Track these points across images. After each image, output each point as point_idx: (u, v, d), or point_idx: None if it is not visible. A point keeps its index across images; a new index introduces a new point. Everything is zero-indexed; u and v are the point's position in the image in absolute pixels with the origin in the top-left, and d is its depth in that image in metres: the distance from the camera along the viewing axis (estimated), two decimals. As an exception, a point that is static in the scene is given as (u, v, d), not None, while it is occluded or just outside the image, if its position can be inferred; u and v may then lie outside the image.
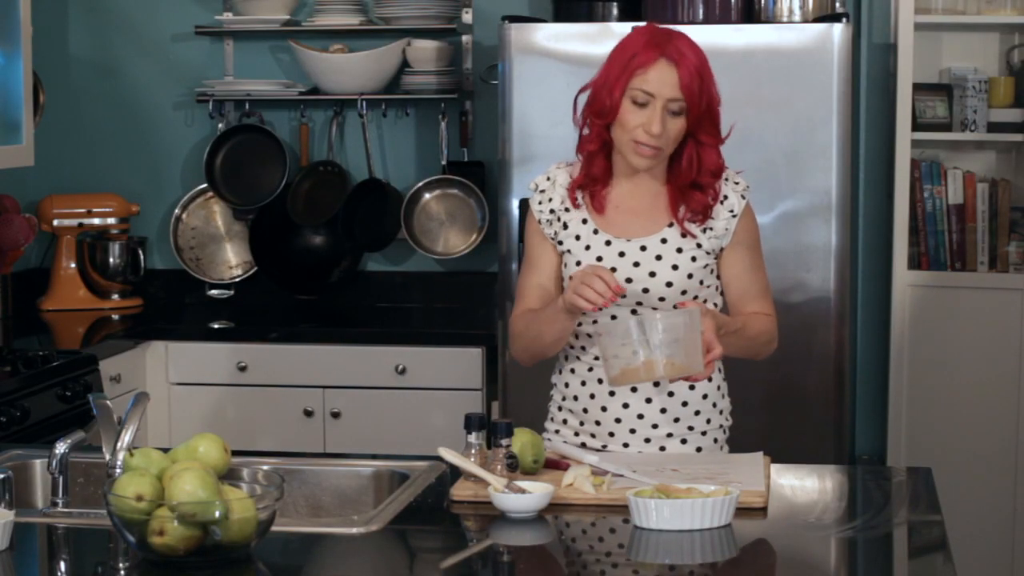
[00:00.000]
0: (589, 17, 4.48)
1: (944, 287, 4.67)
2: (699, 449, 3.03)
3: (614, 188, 3.00)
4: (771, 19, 4.40)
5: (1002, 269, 4.67)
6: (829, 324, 4.26)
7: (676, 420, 3.01)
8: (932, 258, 4.71)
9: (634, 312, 2.93)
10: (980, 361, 4.65)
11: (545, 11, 4.78)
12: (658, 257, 2.96)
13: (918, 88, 4.70)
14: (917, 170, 4.69)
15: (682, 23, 4.31)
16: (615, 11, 4.48)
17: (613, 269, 2.95)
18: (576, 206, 3.01)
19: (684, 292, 2.95)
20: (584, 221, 3.00)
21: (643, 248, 2.97)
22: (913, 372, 4.67)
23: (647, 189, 3.00)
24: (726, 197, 2.98)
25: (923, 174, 4.70)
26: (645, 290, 2.94)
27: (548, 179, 3.06)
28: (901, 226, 4.64)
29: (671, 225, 2.98)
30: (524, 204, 4.31)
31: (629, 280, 2.94)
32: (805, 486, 2.87)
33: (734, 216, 2.99)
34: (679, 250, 2.96)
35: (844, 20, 4.21)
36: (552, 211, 3.02)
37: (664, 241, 2.97)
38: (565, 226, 3.01)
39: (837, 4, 4.51)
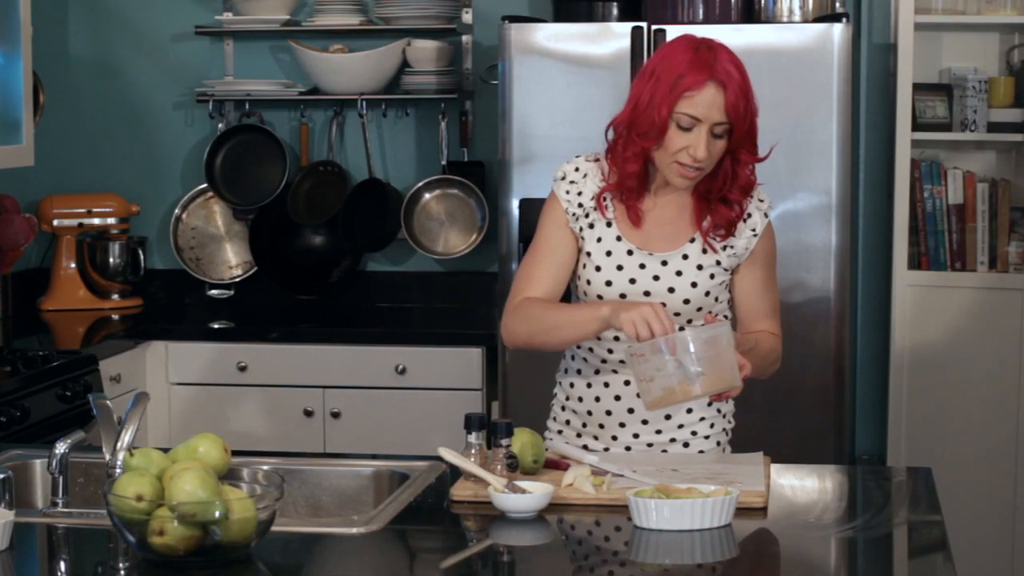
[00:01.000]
0: (589, 17, 4.48)
1: (944, 287, 4.67)
2: (701, 452, 3.03)
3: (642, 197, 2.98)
4: (771, 19, 4.40)
5: (1002, 269, 4.67)
6: (829, 324, 4.26)
7: (680, 426, 3.01)
8: (932, 258, 4.71)
9: None
10: (980, 361, 4.65)
11: (545, 11, 4.78)
12: (678, 273, 2.94)
13: (918, 88, 4.70)
14: (917, 170, 4.69)
15: (682, 23, 4.31)
16: (615, 11, 4.48)
17: (632, 280, 2.94)
18: (603, 209, 2.98)
19: (699, 309, 2.95)
20: (608, 224, 2.97)
21: (664, 263, 2.95)
22: (913, 372, 4.67)
23: (673, 201, 2.97)
24: (749, 215, 2.96)
25: (923, 174, 4.70)
26: (663, 305, 2.93)
27: (577, 170, 3.00)
28: (901, 226, 4.64)
29: (693, 240, 2.96)
30: (524, 204, 4.32)
31: (648, 293, 2.93)
32: (805, 486, 2.87)
33: (755, 235, 2.98)
34: (699, 267, 2.95)
35: (844, 20, 4.21)
36: (581, 205, 2.99)
37: (685, 257, 2.95)
38: (591, 225, 2.99)
39: (837, 4, 4.51)
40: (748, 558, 2.44)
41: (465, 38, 5.06)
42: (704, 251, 2.96)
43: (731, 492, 2.50)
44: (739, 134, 2.86)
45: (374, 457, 3.04)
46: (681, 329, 2.88)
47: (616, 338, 2.96)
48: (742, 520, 2.53)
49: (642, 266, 2.95)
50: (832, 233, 4.24)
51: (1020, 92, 4.75)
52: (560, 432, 3.09)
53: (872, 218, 4.92)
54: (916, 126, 4.67)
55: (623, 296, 2.94)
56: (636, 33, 4.26)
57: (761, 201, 2.99)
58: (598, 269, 2.97)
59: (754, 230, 2.98)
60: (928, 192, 4.70)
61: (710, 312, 2.96)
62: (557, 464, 2.81)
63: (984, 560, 4.65)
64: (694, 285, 2.94)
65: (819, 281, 4.25)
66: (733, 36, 4.16)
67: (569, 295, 3.06)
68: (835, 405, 4.27)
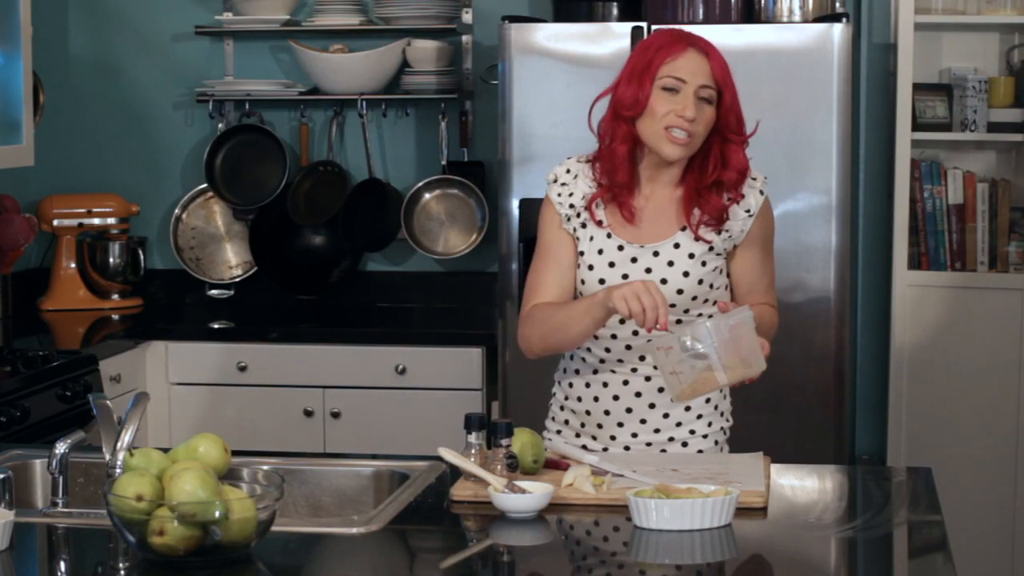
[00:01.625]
0: (589, 17, 4.49)
1: (944, 287, 4.67)
2: (699, 451, 3.03)
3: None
4: (771, 19, 4.40)
5: (1002, 269, 4.67)
6: (829, 324, 4.26)
7: (678, 424, 3.01)
8: (932, 258, 4.71)
9: None
10: (980, 361, 4.65)
11: (545, 11, 4.78)
12: (670, 263, 2.94)
13: (918, 88, 4.70)
14: (917, 170, 4.69)
15: (682, 23, 4.31)
16: (615, 11, 4.48)
17: (625, 276, 2.93)
18: (592, 213, 2.97)
19: (695, 297, 2.94)
20: (600, 223, 2.98)
21: (656, 254, 2.95)
22: (913, 372, 4.67)
23: (662, 194, 2.97)
24: (743, 196, 2.96)
25: (923, 174, 4.70)
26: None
27: (568, 172, 3.01)
28: (901, 226, 4.64)
29: (684, 229, 2.95)
30: (524, 204, 4.32)
31: None
32: (805, 486, 2.87)
33: (750, 216, 2.96)
34: (691, 255, 2.94)
35: (844, 20, 4.21)
36: (572, 206, 2.99)
37: (677, 246, 2.95)
38: (584, 225, 2.99)
39: (837, 4, 4.51)
40: (748, 558, 2.44)
41: (465, 38, 5.06)
42: (695, 239, 2.95)
43: (731, 492, 2.50)
44: (726, 104, 2.87)
45: (374, 457, 3.04)
46: (687, 312, 2.88)
47: (613, 336, 2.96)
48: (742, 520, 2.52)
49: (634, 260, 2.95)
50: (832, 233, 4.24)
51: (1020, 92, 4.75)
52: (559, 432, 3.09)
53: (872, 218, 4.92)
54: (916, 126, 4.67)
55: None
56: (636, 33, 4.26)
57: (754, 179, 2.97)
58: (591, 268, 2.97)
59: (749, 210, 2.96)
60: (928, 192, 4.70)
61: (705, 301, 2.95)
62: (557, 464, 2.81)
63: (984, 560, 4.65)
64: (686, 274, 2.94)
65: (819, 281, 4.25)
66: (733, 36, 4.17)
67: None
68: (835, 405, 4.27)
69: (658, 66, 2.86)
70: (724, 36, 4.22)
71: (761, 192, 2.98)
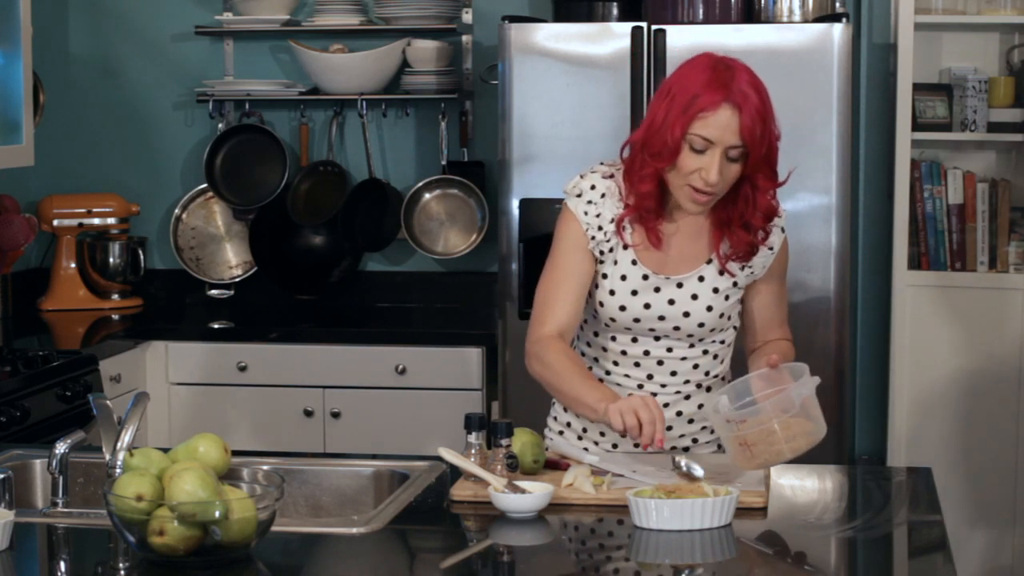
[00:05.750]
0: (589, 17, 4.48)
1: (944, 287, 4.67)
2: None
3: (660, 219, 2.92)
4: (771, 19, 4.40)
5: (1002, 269, 4.67)
6: (829, 324, 4.26)
7: (680, 436, 3.01)
8: (932, 258, 4.71)
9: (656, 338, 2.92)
10: (980, 361, 4.65)
11: (545, 11, 4.78)
12: (694, 296, 2.91)
13: (918, 88, 4.70)
14: (917, 170, 4.69)
15: (682, 23, 4.31)
16: (615, 11, 4.48)
17: (647, 305, 2.91)
18: (622, 233, 2.92)
19: (713, 330, 2.93)
20: (625, 248, 2.92)
21: (680, 286, 2.92)
22: (913, 372, 4.67)
23: (692, 222, 2.92)
24: (768, 234, 2.94)
25: (923, 174, 4.70)
26: (676, 328, 2.92)
27: (593, 188, 2.91)
28: (901, 226, 4.64)
29: (710, 262, 2.92)
30: (524, 204, 4.31)
31: (662, 318, 2.91)
32: (805, 486, 2.87)
33: (772, 253, 2.95)
34: (715, 290, 2.92)
35: (844, 20, 4.21)
36: (600, 228, 2.91)
37: (701, 279, 2.92)
38: (611, 249, 2.92)
39: (837, 4, 4.52)
40: (748, 558, 2.44)
41: (465, 38, 5.06)
42: (721, 272, 2.93)
43: (731, 492, 2.50)
44: (755, 158, 2.78)
45: (374, 457, 3.04)
46: (702, 340, 2.88)
47: (623, 352, 2.96)
48: (742, 520, 2.53)
49: (657, 290, 2.91)
50: (832, 233, 4.24)
51: (1020, 92, 4.75)
52: (561, 433, 3.08)
53: (872, 218, 4.92)
54: (916, 126, 4.67)
55: (637, 321, 2.92)
56: (636, 33, 4.26)
57: (778, 217, 2.96)
58: (612, 293, 2.93)
59: (771, 247, 2.95)
60: (928, 192, 4.70)
61: (722, 331, 2.95)
62: (557, 464, 2.81)
63: (984, 560, 4.65)
64: (709, 309, 2.92)
65: (819, 281, 4.25)
66: (733, 36, 4.18)
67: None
68: (835, 405, 4.27)
69: (690, 119, 2.75)
70: (724, 36, 4.23)
71: (782, 230, 2.97)
